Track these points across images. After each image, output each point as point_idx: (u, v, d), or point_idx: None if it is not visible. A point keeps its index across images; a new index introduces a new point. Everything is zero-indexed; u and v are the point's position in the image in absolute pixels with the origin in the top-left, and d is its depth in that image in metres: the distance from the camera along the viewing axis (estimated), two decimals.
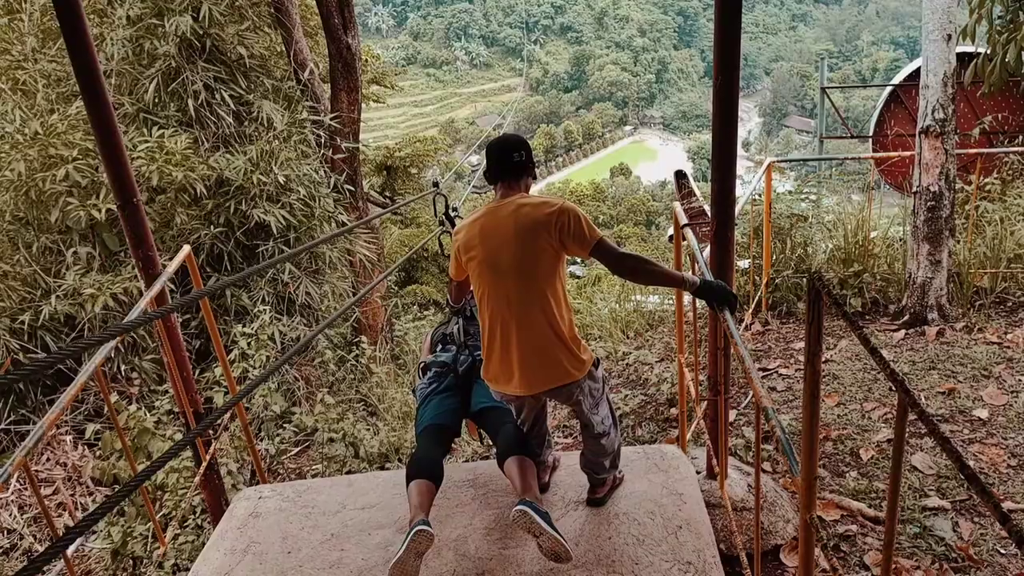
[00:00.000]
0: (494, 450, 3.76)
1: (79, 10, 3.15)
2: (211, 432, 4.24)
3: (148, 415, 5.94)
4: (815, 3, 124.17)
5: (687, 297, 4.28)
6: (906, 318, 5.99)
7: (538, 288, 3.05)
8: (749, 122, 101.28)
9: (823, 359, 5.51)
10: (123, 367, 7.00)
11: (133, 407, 6.01)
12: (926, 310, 5.89)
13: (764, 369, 5.77)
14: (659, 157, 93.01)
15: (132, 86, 7.83)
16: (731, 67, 3.25)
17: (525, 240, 3.02)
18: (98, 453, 6.22)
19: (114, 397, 6.64)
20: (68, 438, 6.49)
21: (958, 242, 6.41)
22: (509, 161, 3.17)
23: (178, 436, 5.85)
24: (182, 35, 7.65)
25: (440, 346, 4.22)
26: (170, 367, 3.63)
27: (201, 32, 7.85)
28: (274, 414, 6.89)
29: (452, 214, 5.03)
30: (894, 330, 5.96)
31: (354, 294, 10.08)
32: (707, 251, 3.67)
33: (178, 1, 7.76)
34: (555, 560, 2.95)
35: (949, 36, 5.58)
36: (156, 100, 7.75)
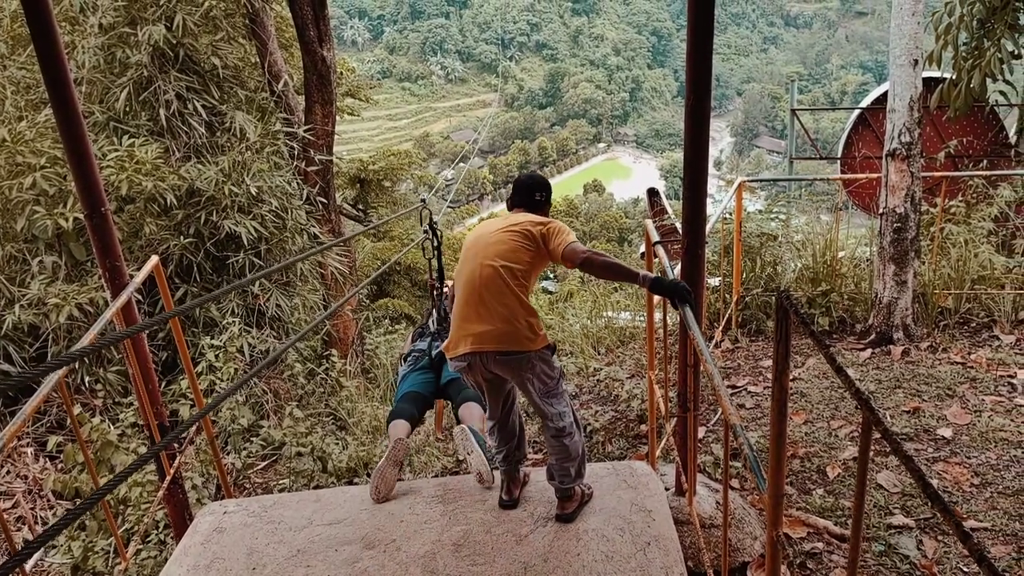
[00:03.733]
0: (463, 465, 4.41)
1: (50, 17, 3.12)
2: (176, 445, 4.18)
3: (112, 428, 5.85)
4: (786, 26, 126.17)
5: (657, 313, 4.31)
6: (872, 337, 6.06)
7: (512, 270, 3.35)
8: (721, 142, 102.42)
9: (791, 377, 5.57)
10: (87, 379, 6.89)
11: (96, 419, 5.91)
12: (892, 330, 5.98)
13: (733, 387, 5.81)
14: (632, 175, 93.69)
15: (103, 94, 7.75)
16: (703, 88, 3.30)
17: (513, 233, 3.43)
18: (60, 466, 6.10)
19: (77, 409, 6.52)
20: (29, 450, 6.36)
21: (923, 263, 6.52)
22: (531, 198, 3.69)
23: (143, 449, 5.76)
24: (155, 44, 7.59)
25: (418, 338, 4.98)
26: (135, 379, 3.58)
27: (174, 42, 7.79)
28: (241, 427, 6.80)
29: (433, 225, 5.35)
30: (860, 349, 6.03)
31: (325, 307, 10.01)
32: (678, 268, 3.70)
33: (152, 10, 7.70)
34: (479, 481, 3.86)
35: (916, 61, 5.70)
36: (127, 109, 7.67)
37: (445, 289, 5.37)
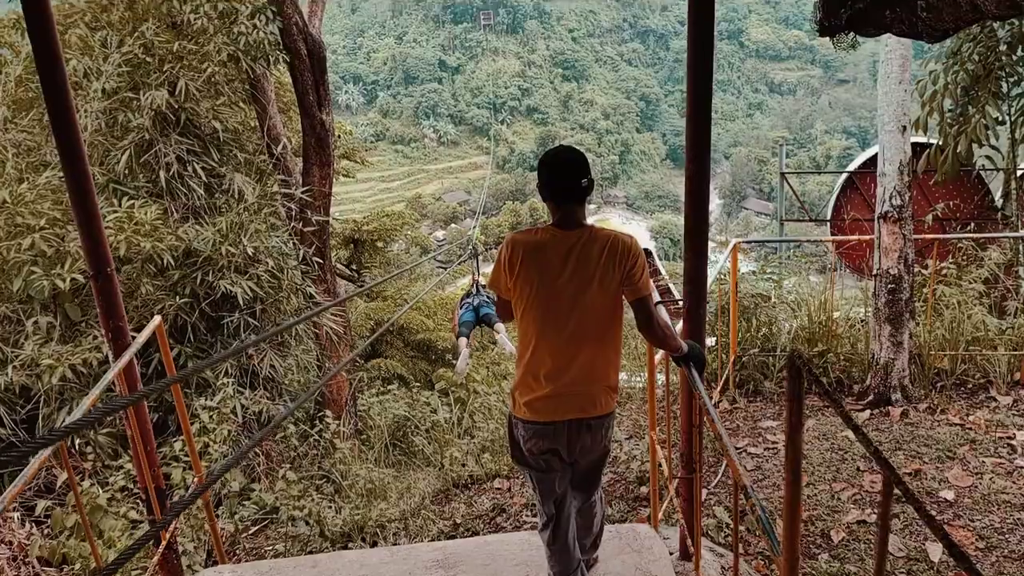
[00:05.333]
0: (460, 528, 5.06)
1: (64, 84, 3.17)
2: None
3: (101, 491, 5.77)
4: (770, 93, 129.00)
5: (659, 375, 4.32)
6: (871, 398, 6.07)
7: (596, 327, 2.99)
8: (710, 203, 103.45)
9: None
10: (77, 441, 6.80)
11: (86, 483, 5.83)
12: (890, 391, 5.99)
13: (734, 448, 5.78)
14: None
15: (104, 157, 7.82)
16: (702, 156, 3.37)
17: (594, 276, 2.97)
18: (46, 531, 5.97)
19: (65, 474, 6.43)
20: (15, 515, 6.24)
21: (918, 324, 6.57)
22: (577, 187, 3.02)
23: (132, 514, 5.67)
24: (157, 108, 7.69)
25: (466, 298, 9.25)
26: (135, 443, 3.54)
27: (176, 106, 7.91)
28: (234, 491, 6.71)
29: (475, 250, 7.60)
30: (859, 410, 6.03)
31: (319, 367, 9.97)
32: (678, 327, 3.72)
33: (155, 76, 7.83)
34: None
35: (904, 127, 5.83)
36: (127, 171, 7.74)
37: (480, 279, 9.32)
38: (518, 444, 3.16)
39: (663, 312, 3.16)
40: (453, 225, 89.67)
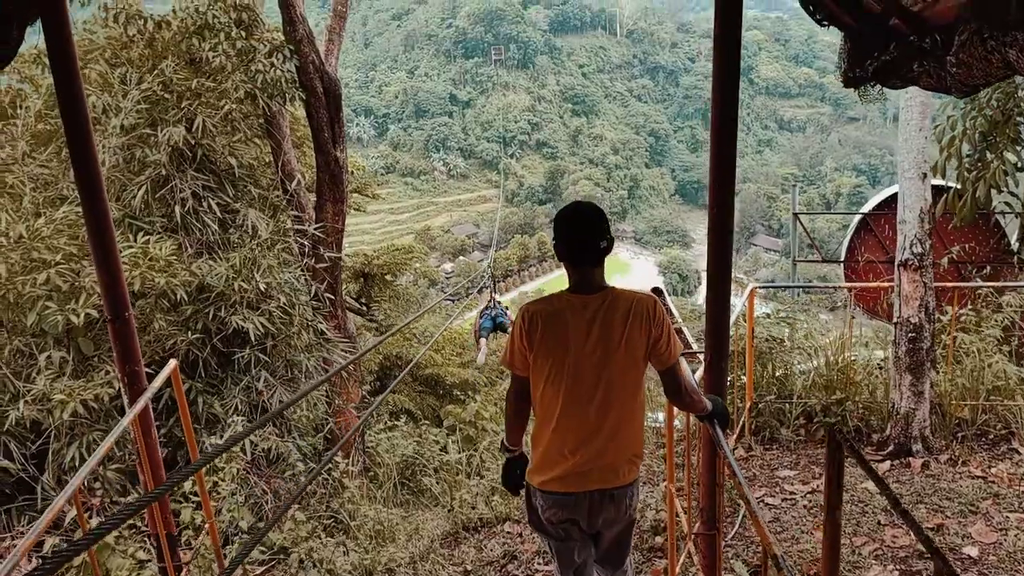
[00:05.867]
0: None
1: (86, 123, 3.18)
2: (182, 555, 4.05)
3: None
4: (780, 130, 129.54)
5: (677, 420, 4.25)
6: (891, 449, 5.97)
7: (621, 396, 2.87)
8: None
9: (810, 489, 5.45)
10: (86, 477, 6.73)
11: (94, 521, 5.77)
12: (910, 441, 5.89)
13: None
14: (631, 270, 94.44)
15: (120, 192, 7.85)
16: (725, 201, 3.34)
17: (617, 343, 2.84)
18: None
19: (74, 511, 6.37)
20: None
21: (938, 373, 6.48)
22: (596, 249, 2.90)
23: (140, 553, 5.59)
24: (174, 145, 7.74)
25: (486, 310, 14.39)
26: (146, 486, 3.48)
27: (193, 142, 7.95)
28: (242, 530, 6.62)
29: (494, 276, 7.63)
30: (879, 460, 5.93)
31: (328, 403, 9.92)
32: (697, 374, 3.66)
33: (173, 112, 7.89)
34: None
35: (924, 175, 5.80)
36: (143, 206, 7.76)
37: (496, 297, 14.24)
38: (536, 511, 3.05)
39: (687, 370, 3.07)
40: (461, 258, 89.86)
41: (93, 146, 3.19)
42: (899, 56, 3.24)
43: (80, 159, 3.06)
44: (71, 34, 3.35)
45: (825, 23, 3.57)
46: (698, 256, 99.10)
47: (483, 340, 13.36)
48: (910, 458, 5.86)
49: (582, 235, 2.90)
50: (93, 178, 3.07)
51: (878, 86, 3.48)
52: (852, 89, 3.61)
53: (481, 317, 13.34)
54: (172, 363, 3.63)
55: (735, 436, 6.59)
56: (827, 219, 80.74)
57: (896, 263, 5.97)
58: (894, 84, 3.39)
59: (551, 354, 2.88)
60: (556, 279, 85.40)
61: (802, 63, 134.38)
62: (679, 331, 11.47)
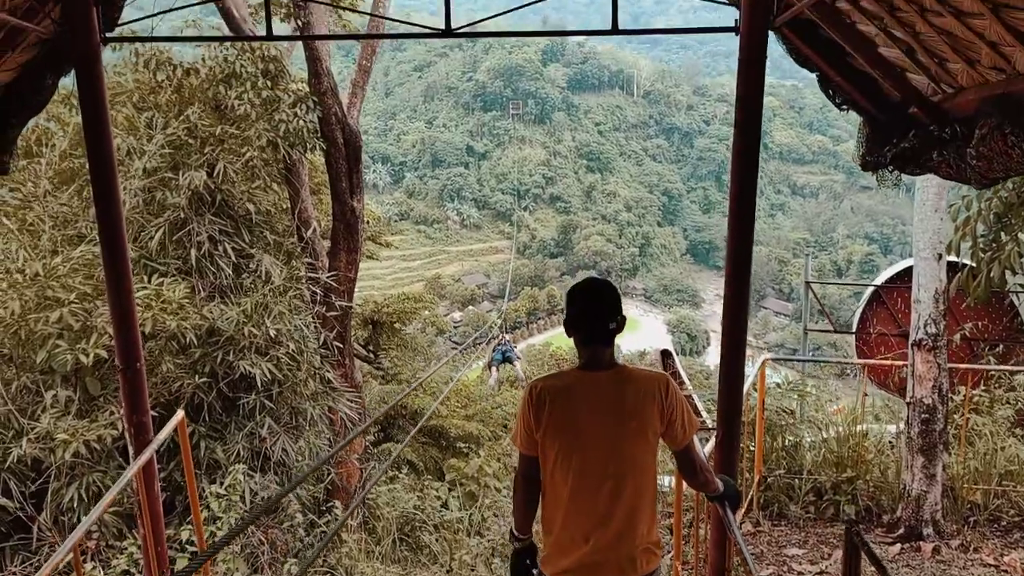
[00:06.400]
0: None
1: (112, 173, 3.22)
2: None
3: (103, 573, 5.64)
4: (792, 195, 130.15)
5: (686, 491, 4.19)
6: (901, 531, 5.86)
7: (634, 480, 2.76)
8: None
9: (819, 570, 5.35)
10: (83, 517, 6.67)
11: (89, 565, 5.71)
12: (921, 525, 5.78)
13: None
14: (640, 327, 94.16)
15: (138, 233, 7.93)
16: (742, 280, 3.33)
17: (629, 423, 2.75)
18: None
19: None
20: None
21: (951, 455, 6.39)
22: (604, 329, 2.84)
23: None
24: (194, 189, 7.83)
25: (497, 348, 22.06)
26: (146, 541, 3.44)
27: (213, 187, 8.04)
28: None
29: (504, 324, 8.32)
30: (889, 543, 5.81)
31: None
32: (708, 446, 3.62)
33: (195, 157, 8.00)
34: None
35: (940, 255, 5.81)
36: (160, 248, 7.82)
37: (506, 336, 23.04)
38: None
39: (699, 448, 3.01)
40: (471, 308, 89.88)
41: (119, 201, 3.23)
42: (918, 144, 3.26)
43: (105, 214, 3.10)
44: (103, 83, 3.42)
45: (845, 108, 3.62)
46: (707, 316, 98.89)
47: (493, 369, 19.03)
48: (921, 542, 5.75)
49: (594, 314, 2.87)
50: (116, 238, 3.11)
51: (896, 172, 3.50)
52: (871, 173, 3.63)
53: (493, 351, 18.97)
54: (179, 414, 3.62)
55: (743, 510, 6.48)
56: (838, 286, 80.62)
57: (910, 342, 5.94)
58: (912, 171, 3.41)
59: (559, 434, 2.79)
60: (563, 334, 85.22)
61: (816, 131, 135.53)
62: (688, 397, 11.39)
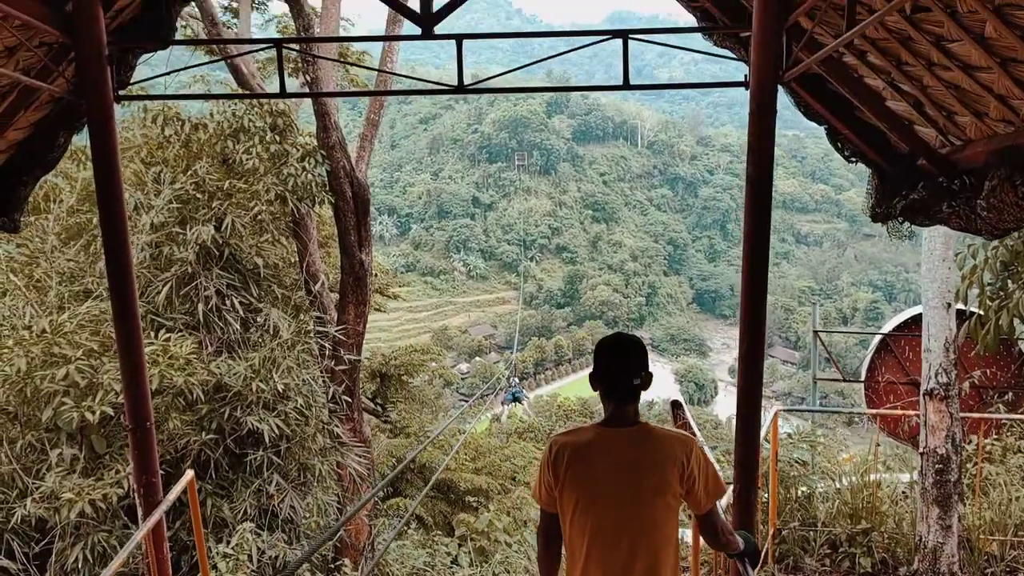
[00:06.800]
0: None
1: (124, 234, 3.24)
2: None
3: None
4: (797, 243, 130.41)
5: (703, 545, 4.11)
6: None
7: (652, 540, 2.71)
8: (735, 349, 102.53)
9: None
10: None
11: None
12: None
13: None
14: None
15: (145, 288, 7.95)
16: (756, 335, 3.31)
17: (647, 482, 2.71)
18: None
19: None
20: None
21: (965, 505, 6.28)
22: (628, 384, 2.79)
23: None
24: (202, 243, 7.86)
25: (507, 387, 33.87)
26: None
27: (221, 241, 8.08)
28: None
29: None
30: None
31: (340, 509, 9.71)
32: (723, 500, 3.55)
33: (203, 211, 8.05)
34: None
35: (948, 304, 5.78)
36: (167, 303, 7.83)
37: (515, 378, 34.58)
38: None
39: (721, 512, 2.96)
40: (478, 358, 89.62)
41: (130, 263, 3.25)
42: (927, 196, 3.27)
43: (115, 274, 3.11)
44: (116, 141, 3.47)
45: (854, 160, 3.63)
46: (715, 365, 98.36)
47: (505, 407, 25.55)
48: None
49: (618, 368, 2.83)
50: (127, 297, 3.11)
51: (906, 223, 3.50)
52: (881, 224, 3.63)
53: (504, 392, 24.99)
54: (189, 474, 3.58)
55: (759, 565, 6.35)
56: (843, 334, 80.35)
57: (922, 392, 5.88)
58: (922, 222, 3.41)
59: (577, 490, 2.77)
60: (571, 384, 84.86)
61: (819, 180, 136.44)
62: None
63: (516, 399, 29.21)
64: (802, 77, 3.33)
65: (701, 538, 3.95)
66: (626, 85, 3.46)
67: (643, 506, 2.72)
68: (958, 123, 3.02)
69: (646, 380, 2.83)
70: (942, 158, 3.18)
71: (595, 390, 2.88)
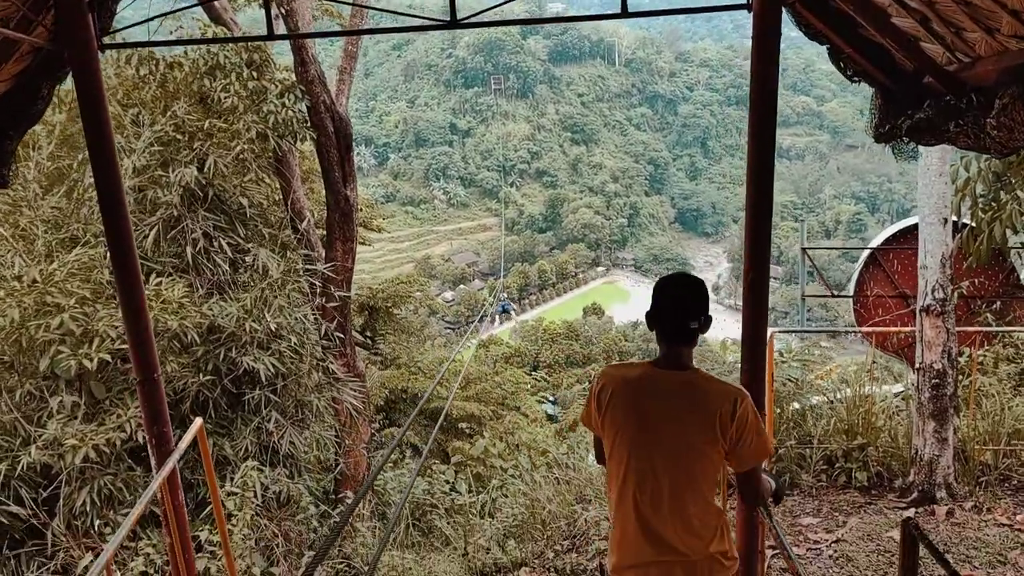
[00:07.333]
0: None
1: (118, 184, 3.15)
2: None
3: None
4: (779, 158, 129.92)
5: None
6: (914, 496, 5.90)
7: (685, 488, 2.66)
8: (719, 267, 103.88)
9: (835, 539, 5.38)
10: (96, 522, 6.66)
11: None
12: (934, 488, 5.82)
13: (772, 547, 5.59)
14: (631, 298, 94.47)
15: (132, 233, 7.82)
16: (762, 262, 3.30)
17: (693, 430, 2.65)
18: None
19: (88, 558, 6.30)
20: None
21: (960, 417, 6.42)
22: (685, 327, 2.70)
23: None
24: (186, 185, 7.73)
25: (498, 301, 48.76)
26: (173, 550, 3.41)
27: (204, 183, 7.94)
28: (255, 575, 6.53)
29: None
30: (903, 508, 5.86)
31: (338, 443, 9.83)
32: None
33: (185, 153, 7.89)
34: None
35: (945, 220, 5.80)
36: (155, 247, 7.73)
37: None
38: None
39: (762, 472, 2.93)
40: (462, 286, 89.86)
41: (127, 216, 3.17)
42: (934, 115, 3.22)
43: (112, 226, 3.05)
44: (103, 90, 3.36)
45: (856, 79, 3.57)
46: None
47: (497, 317, 26.55)
48: (934, 505, 5.79)
49: (675, 310, 2.74)
50: (125, 251, 3.05)
51: (912, 143, 3.46)
52: (884, 144, 3.59)
53: (494, 305, 25.38)
54: (197, 422, 3.57)
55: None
56: (827, 246, 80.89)
57: (918, 308, 5.95)
58: (928, 142, 3.37)
59: (615, 425, 2.75)
60: (556, 307, 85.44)
61: (800, 92, 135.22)
62: None
63: (505, 310, 41.75)
64: None
65: None
66: (624, 13, 3.34)
67: (679, 452, 2.67)
68: (967, 39, 2.95)
69: (704, 324, 2.73)
70: (949, 76, 3.12)
71: (651, 329, 2.79)
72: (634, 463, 2.70)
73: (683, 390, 2.69)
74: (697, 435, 2.65)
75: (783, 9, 3.11)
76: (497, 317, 40.70)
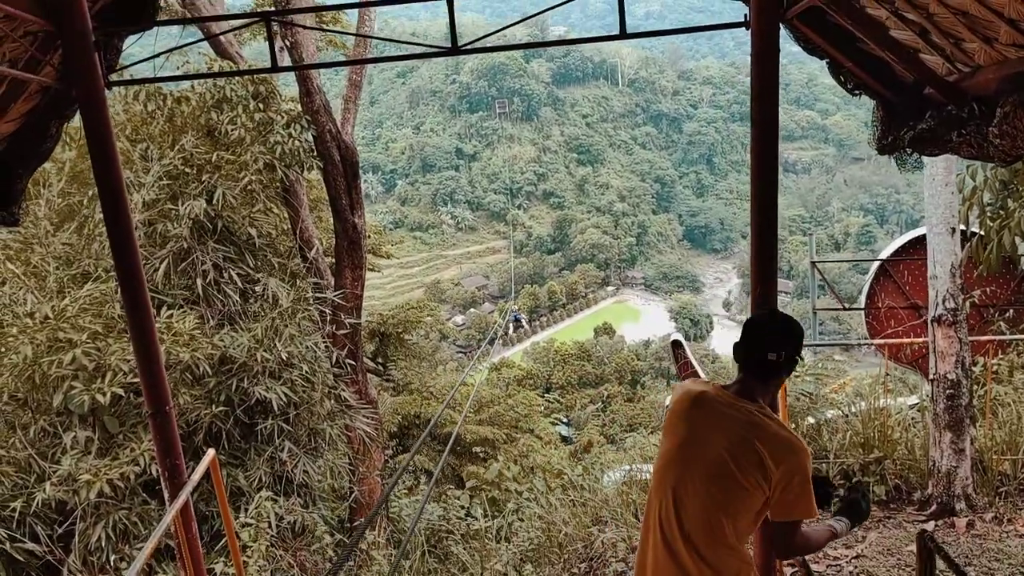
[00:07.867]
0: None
1: (127, 219, 3.18)
2: None
3: None
4: (785, 172, 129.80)
5: None
6: (933, 508, 5.84)
7: (723, 512, 2.57)
8: (729, 283, 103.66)
9: (855, 555, 5.32)
10: (112, 556, 6.66)
11: None
12: (953, 500, 5.76)
13: (789, 564, 5.53)
14: (641, 317, 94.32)
15: (142, 266, 7.87)
16: (769, 276, 3.30)
17: (742, 461, 2.55)
18: None
19: None
20: None
21: (976, 428, 6.36)
22: (763, 359, 2.65)
23: None
24: (195, 218, 7.79)
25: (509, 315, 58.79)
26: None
27: (213, 214, 8.00)
28: None
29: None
30: (923, 521, 5.79)
31: (352, 471, 9.81)
32: None
33: (193, 186, 7.96)
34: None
35: (953, 229, 5.77)
36: (165, 280, 7.78)
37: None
38: None
39: (812, 536, 2.79)
40: (472, 310, 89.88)
41: (136, 250, 3.20)
42: (936, 125, 3.22)
43: (121, 260, 3.07)
44: (110, 128, 3.40)
45: (857, 92, 3.58)
46: (708, 300, 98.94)
47: (510, 327, 34.17)
48: (954, 518, 5.72)
49: (754, 338, 2.73)
50: (135, 285, 3.08)
51: (915, 154, 3.46)
52: (888, 156, 3.59)
53: (505, 318, 33.56)
54: (210, 453, 3.58)
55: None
56: (836, 261, 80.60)
57: (929, 318, 5.91)
58: (931, 152, 3.37)
59: (666, 433, 2.75)
60: (567, 328, 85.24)
61: (804, 106, 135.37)
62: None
63: (517, 320, 49.16)
64: (802, 11, 3.27)
65: None
66: (623, 34, 3.37)
67: (719, 475, 2.58)
68: (966, 50, 2.96)
69: (785, 361, 2.67)
70: (950, 86, 3.13)
71: (735, 360, 2.77)
72: (667, 473, 2.67)
73: (742, 416, 2.63)
74: (743, 466, 2.55)
75: (781, 25, 3.14)
76: (510, 326, 44.29)
